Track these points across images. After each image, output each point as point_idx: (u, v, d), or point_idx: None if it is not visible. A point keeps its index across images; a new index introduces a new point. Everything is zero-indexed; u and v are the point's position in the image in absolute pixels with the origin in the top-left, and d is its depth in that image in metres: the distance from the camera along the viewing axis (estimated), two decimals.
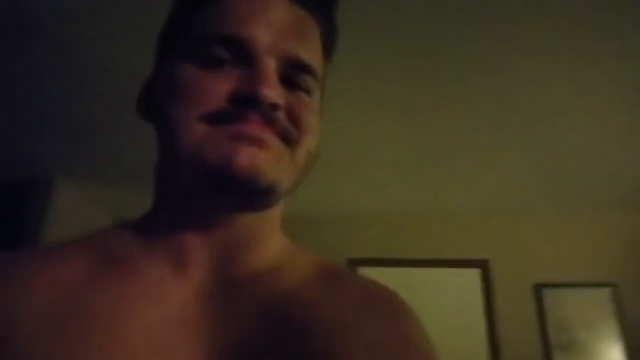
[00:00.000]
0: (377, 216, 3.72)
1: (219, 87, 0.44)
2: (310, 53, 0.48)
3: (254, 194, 0.44)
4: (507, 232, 3.49)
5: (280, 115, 0.45)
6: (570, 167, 2.85)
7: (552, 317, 3.23)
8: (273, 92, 0.43)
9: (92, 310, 0.42)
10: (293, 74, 0.47)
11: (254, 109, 0.43)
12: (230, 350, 0.43)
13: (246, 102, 0.43)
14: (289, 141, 0.46)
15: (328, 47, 0.53)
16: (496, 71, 2.00)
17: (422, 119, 2.39)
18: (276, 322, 0.45)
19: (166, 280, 0.46)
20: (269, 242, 0.51)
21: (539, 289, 3.32)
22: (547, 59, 1.90)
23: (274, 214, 0.51)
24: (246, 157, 0.42)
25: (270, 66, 0.45)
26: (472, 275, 3.46)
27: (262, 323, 0.45)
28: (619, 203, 3.30)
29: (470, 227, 3.58)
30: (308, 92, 0.48)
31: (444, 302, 3.37)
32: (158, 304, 0.44)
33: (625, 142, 2.55)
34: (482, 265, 3.48)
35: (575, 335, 3.17)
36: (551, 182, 3.05)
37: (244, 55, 0.45)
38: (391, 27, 1.74)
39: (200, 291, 0.46)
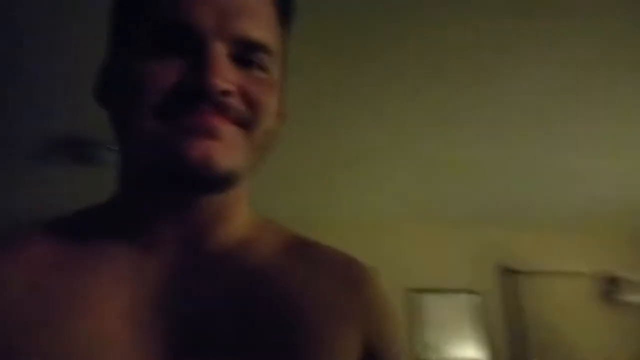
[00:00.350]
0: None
1: (167, 78, 0.42)
2: (262, 30, 0.46)
3: (211, 184, 0.44)
4: (387, 242, 3.49)
5: (233, 101, 0.43)
6: (445, 183, 3.02)
7: (420, 320, 3.42)
8: (222, 80, 0.42)
9: (62, 296, 0.43)
10: (246, 54, 0.45)
11: (204, 100, 0.42)
12: (201, 323, 0.45)
13: (196, 94, 0.42)
14: (244, 125, 0.45)
15: (284, 18, 0.51)
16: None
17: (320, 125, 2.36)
18: (245, 294, 0.47)
19: (135, 261, 0.46)
20: (236, 217, 0.51)
21: (410, 293, 3.45)
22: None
23: (240, 192, 0.50)
24: (198, 151, 0.41)
25: (219, 51, 0.43)
26: None
27: (232, 296, 0.47)
28: (480, 218, 3.57)
29: (354, 236, 3.39)
30: (263, 69, 0.46)
31: None
32: (129, 284, 0.45)
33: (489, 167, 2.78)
34: None
35: (441, 337, 3.43)
36: (430, 195, 3.23)
37: (190, 42, 0.43)
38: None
39: (170, 269, 0.47)
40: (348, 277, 0.53)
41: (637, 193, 3.22)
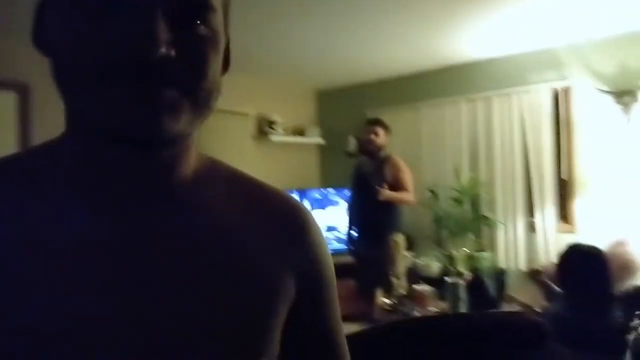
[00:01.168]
0: None
1: (105, 42, 0.41)
2: None
3: (157, 147, 0.45)
4: None
5: (174, 66, 0.42)
6: None
7: None
8: (161, 45, 0.40)
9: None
10: (186, 11, 0.43)
11: (145, 66, 0.40)
12: (163, 262, 0.46)
13: (136, 60, 0.40)
14: (188, 87, 0.44)
15: None
16: None
17: None
18: (199, 231, 0.49)
19: (90, 202, 0.47)
20: (184, 165, 0.50)
21: None
22: None
23: (188, 141, 0.50)
24: (141, 119, 0.41)
25: (154, 14, 0.40)
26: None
27: (189, 233, 0.49)
28: None
29: None
30: (206, 25, 0.44)
31: None
32: (78, 226, 0.46)
33: None
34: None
35: None
36: None
37: (125, 3, 0.40)
38: None
39: (127, 220, 0.47)
40: (290, 221, 0.56)
41: (316, 57, 3.61)
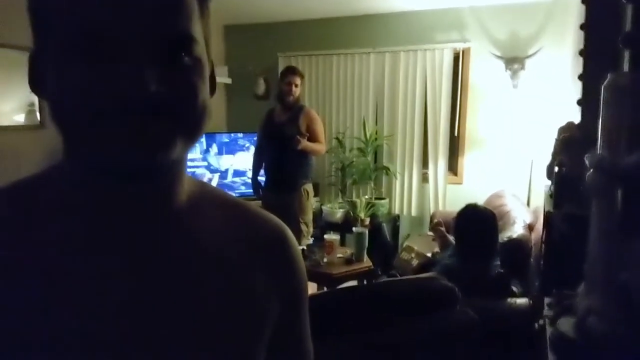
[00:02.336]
0: None
1: (93, 85, 0.42)
2: (180, 17, 0.45)
3: (154, 176, 0.48)
4: None
5: (165, 99, 0.43)
6: None
7: None
8: (149, 86, 0.42)
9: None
10: (168, 46, 0.44)
11: (130, 107, 0.42)
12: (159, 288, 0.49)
13: (121, 102, 0.42)
14: (180, 118, 0.45)
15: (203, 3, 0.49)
16: None
17: None
18: (191, 259, 0.52)
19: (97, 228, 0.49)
20: (177, 189, 0.53)
21: None
22: None
23: (180, 166, 0.52)
24: (137, 155, 0.44)
25: (138, 56, 0.42)
26: None
27: (181, 260, 0.51)
28: None
29: None
30: (189, 54, 0.46)
31: None
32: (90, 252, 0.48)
33: None
34: None
35: None
36: None
37: (111, 47, 0.42)
38: None
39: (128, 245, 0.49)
40: (274, 241, 0.60)
41: None
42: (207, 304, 0.51)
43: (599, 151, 0.88)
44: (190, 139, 0.48)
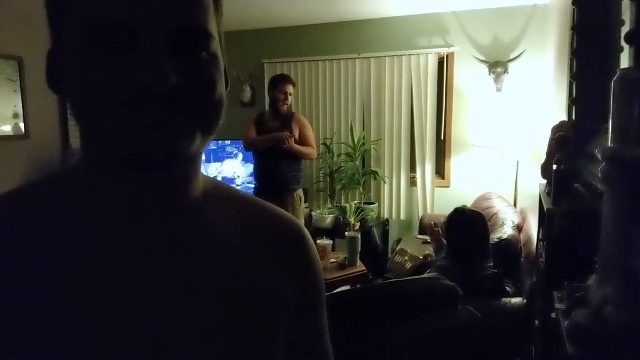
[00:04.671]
0: None
1: (115, 76, 0.43)
2: (202, 17, 0.47)
3: (173, 168, 0.48)
4: None
5: (183, 92, 0.44)
6: None
7: None
8: (169, 77, 0.43)
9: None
10: (186, 41, 0.45)
11: (150, 98, 0.43)
12: (178, 279, 0.49)
13: (145, 92, 0.43)
14: (196, 111, 0.46)
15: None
16: None
17: None
18: (207, 255, 0.52)
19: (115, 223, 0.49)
20: (194, 183, 0.53)
21: None
22: None
23: (198, 160, 0.53)
24: (158, 146, 0.44)
25: (158, 49, 0.43)
26: None
27: (197, 256, 0.51)
28: None
29: None
30: (206, 52, 0.47)
31: None
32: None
33: None
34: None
35: None
36: None
37: (130, 41, 0.43)
38: None
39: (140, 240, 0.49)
40: (291, 240, 0.59)
41: None
42: (222, 299, 0.51)
43: (610, 144, 0.91)
44: (208, 132, 0.49)
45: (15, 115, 3.19)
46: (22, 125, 3.22)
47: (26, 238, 0.47)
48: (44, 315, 0.44)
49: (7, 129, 3.18)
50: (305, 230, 0.62)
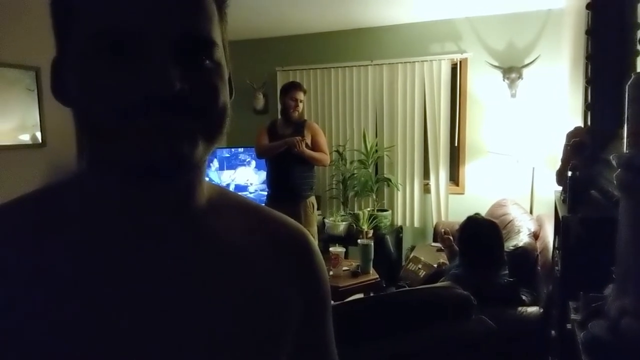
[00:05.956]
0: None
1: (118, 83, 0.44)
2: (207, 25, 0.47)
3: (178, 174, 0.49)
4: None
5: (188, 99, 0.45)
6: None
7: None
8: (174, 84, 0.43)
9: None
10: (190, 48, 0.46)
11: (155, 105, 0.43)
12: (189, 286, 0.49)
13: (150, 98, 0.43)
14: (201, 118, 0.46)
15: (221, 8, 0.51)
16: None
17: None
18: (212, 262, 0.52)
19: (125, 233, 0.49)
20: (199, 191, 0.53)
21: None
22: None
23: (202, 167, 0.53)
24: (164, 151, 0.44)
25: (163, 55, 0.44)
26: None
27: (203, 264, 0.51)
28: None
29: None
30: (210, 57, 0.47)
31: None
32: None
33: None
34: None
35: None
36: None
37: (135, 47, 0.44)
38: None
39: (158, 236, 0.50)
40: (297, 247, 0.59)
41: None
42: (227, 306, 0.51)
43: (625, 150, 0.88)
44: (211, 140, 0.49)
45: (33, 125, 3.24)
46: (39, 134, 3.28)
47: (30, 244, 0.47)
48: (45, 319, 0.44)
49: (26, 137, 3.24)
50: (312, 238, 0.62)
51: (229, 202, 0.58)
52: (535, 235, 3.28)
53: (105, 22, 0.44)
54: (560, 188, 1.87)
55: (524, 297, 2.55)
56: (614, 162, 0.89)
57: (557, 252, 1.70)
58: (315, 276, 0.60)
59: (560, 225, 1.58)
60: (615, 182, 0.90)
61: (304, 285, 0.57)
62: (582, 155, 1.62)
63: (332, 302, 0.64)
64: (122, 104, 0.43)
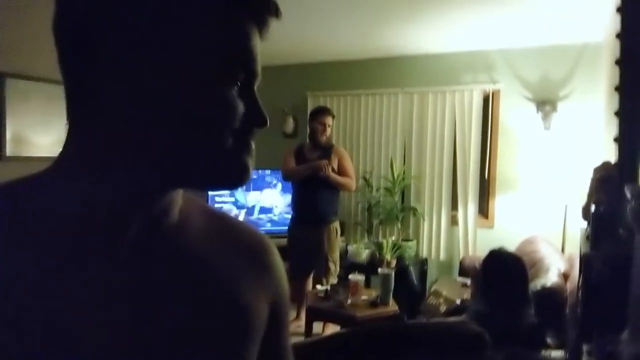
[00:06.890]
0: None
1: (236, 107, 0.49)
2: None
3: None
4: None
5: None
6: None
7: None
8: (236, 108, 0.50)
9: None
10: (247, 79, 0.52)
11: (257, 128, 0.51)
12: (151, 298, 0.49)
13: (254, 123, 0.51)
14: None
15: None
16: None
17: None
18: (181, 270, 0.53)
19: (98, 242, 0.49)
20: (177, 200, 0.55)
21: None
22: None
23: None
24: (249, 166, 0.53)
25: (230, 82, 0.50)
26: None
27: (175, 269, 0.52)
28: None
29: None
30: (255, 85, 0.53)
31: None
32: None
33: None
34: None
35: None
36: None
37: (245, 78, 0.51)
38: None
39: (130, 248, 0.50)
40: (258, 252, 0.61)
41: None
42: (198, 311, 0.51)
43: None
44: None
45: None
46: None
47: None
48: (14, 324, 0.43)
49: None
50: (270, 242, 0.64)
51: (195, 208, 0.59)
52: (566, 275, 3.12)
53: (235, 49, 0.49)
54: (586, 223, 1.77)
55: (549, 340, 2.41)
56: (628, 194, 0.83)
57: (580, 291, 1.60)
58: (277, 279, 0.62)
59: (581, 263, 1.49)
60: (629, 215, 0.84)
61: (267, 286, 0.59)
62: (608, 189, 1.53)
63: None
64: (234, 123, 0.49)
